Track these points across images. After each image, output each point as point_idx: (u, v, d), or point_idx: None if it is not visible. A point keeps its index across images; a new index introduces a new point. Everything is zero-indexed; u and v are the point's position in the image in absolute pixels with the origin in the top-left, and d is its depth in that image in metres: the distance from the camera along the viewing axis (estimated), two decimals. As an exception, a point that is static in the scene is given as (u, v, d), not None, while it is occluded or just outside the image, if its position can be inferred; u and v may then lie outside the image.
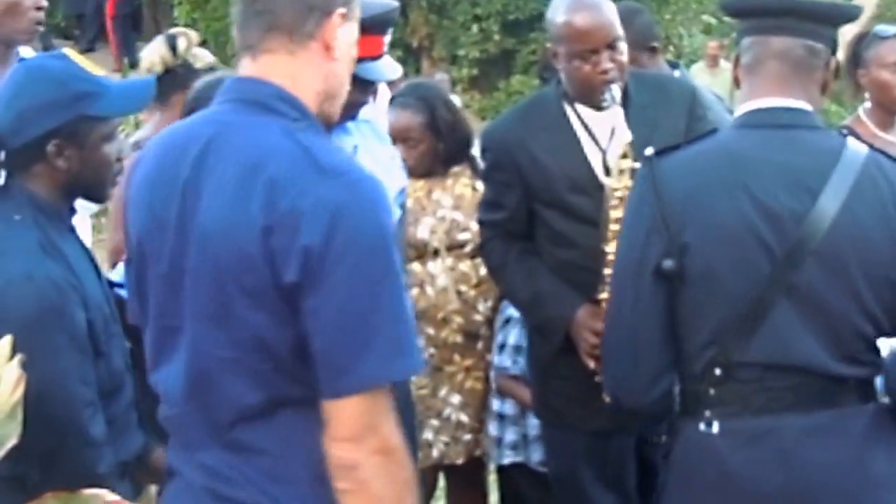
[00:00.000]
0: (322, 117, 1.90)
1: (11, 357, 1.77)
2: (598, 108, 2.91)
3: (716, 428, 2.20)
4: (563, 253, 2.98)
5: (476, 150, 3.52)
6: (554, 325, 2.99)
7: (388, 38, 2.86)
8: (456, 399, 3.60)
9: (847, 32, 2.86)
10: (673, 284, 2.20)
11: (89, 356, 2.21)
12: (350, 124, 2.96)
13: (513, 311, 3.46)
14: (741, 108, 2.32)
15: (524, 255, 3.06)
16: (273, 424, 1.80)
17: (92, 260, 2.36)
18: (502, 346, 3.53)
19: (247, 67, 1.88)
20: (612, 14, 2.90)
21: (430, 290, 3.56)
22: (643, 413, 2.40)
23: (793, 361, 2.17)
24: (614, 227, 2.79)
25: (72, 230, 2.36)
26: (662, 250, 2.20)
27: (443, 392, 3.62)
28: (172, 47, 3.37)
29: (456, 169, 3.61)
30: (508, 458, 3.57)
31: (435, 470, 3.77)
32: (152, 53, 3.38)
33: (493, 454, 3.62)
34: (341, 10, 1.88)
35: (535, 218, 3.04)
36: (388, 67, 2.87)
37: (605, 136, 2.94)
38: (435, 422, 3.61)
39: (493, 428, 3.60)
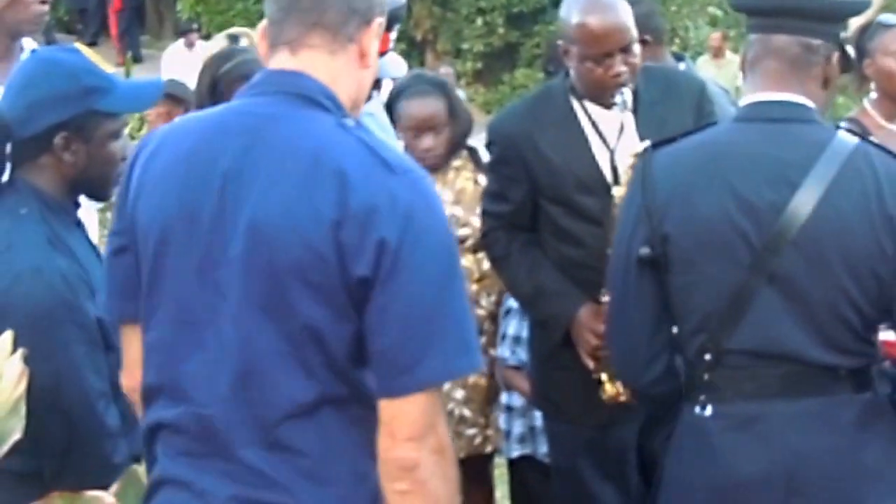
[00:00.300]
0: None
1: (13, 352, 1.78)
2: (608, 106, 2.89)
3: (709, 411, 2.25)
4: (568, 250, 2.98)
5: (475, 142, 3.51)
6: (555, 322, 2.99)
7: (394, 35, 2.86)
8: (459, 394, 3.59)
9: (854, 24, 2.85)
10: (659, 272, 2.26)
11: (100, 348, 2.20)
12: (353, 119, 2.96)
13: (513, 303, 3.46)
14: (741, 102, 2.37)
15: (527, 247, 3.05)
16: (316, 424, 1.76)
17: (98, 254, 2.36)
18: (503, 337, 3.53)
19: (284, 62, 1.84)
20: (627, 16, 2.86)
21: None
22: (646, 394, 2.46)
23: (779, 349, 2.21)
24: None
25: (78, 224, 2.36)
26: (645, 240, 2.26)
27: (446, 387, 3.61)
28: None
29: (457, 163, 3.59)
30: (516, 452, 3.58)
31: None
32: (213, 50, 3.40)
33: (503, 447, 3.62)
34: (379, 20, 1.88)
35: (540, 212, 3.03)
36: (394, 64, 2.87)
37: (614, 135, 2.92)
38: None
39: (501, 421, 3.60)
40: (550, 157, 2.95)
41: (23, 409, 1.84)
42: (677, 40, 13.80)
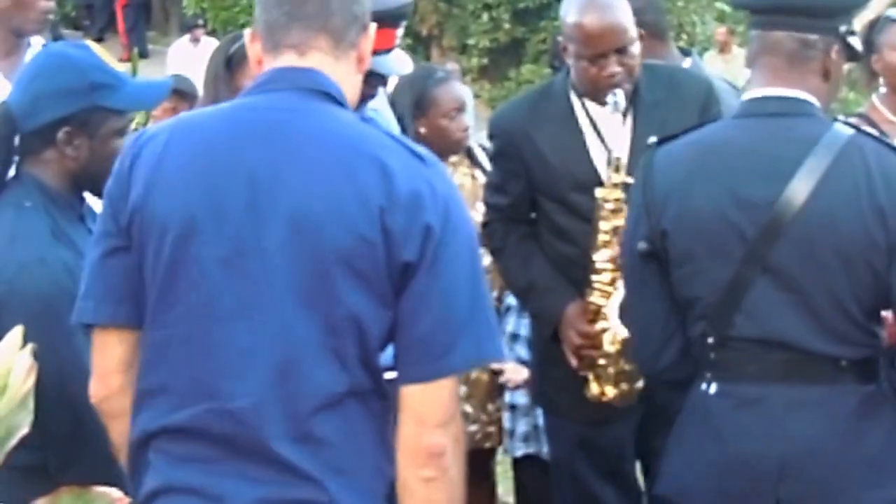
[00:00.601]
0: None
1: (23, 346, 1.77)
2: (604, 105, 2.88)
3: (714, 388, 2.30)
4: (562, 247, 2.98)
5: (481, 138, 3.52)
6: (544, 317, 3.00)
7: (400, 32, 2.85)
8: (461, 389, 3.60)
9: (862, 18, 2.85)
10: (660, 265, 2.31)
11: None
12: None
13: (512, 300, 3.47)
14: (742, 98, 2.40)
15: (524, 241, 3.07)
16: (340, 416, 1.77)
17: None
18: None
19: (292, 62, 1.84)
20: (624, 17, 2.84)
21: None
22: (661, 381, 2.55)
23: (777, 337, 2.24)
24: (604, 237, 2.80)
25: (81, 219, 2.36)
26: (644, 236, 2.32)
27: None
28: None
29: (454, 158, 3.61)
30: (521, 451, 3.59)
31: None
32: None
33: (507, 446, 3.62)
34: (373, 24, 1.91)
35: (537, 207, 3.04)
36: (399, 61, 2.86)
37: (612, 134, 2.91)
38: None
39: (505, 419, 3.60)
40: (547, 154, 2.95)
41: (31, 404, 1.84)
42: (684, 35, 13.79)
